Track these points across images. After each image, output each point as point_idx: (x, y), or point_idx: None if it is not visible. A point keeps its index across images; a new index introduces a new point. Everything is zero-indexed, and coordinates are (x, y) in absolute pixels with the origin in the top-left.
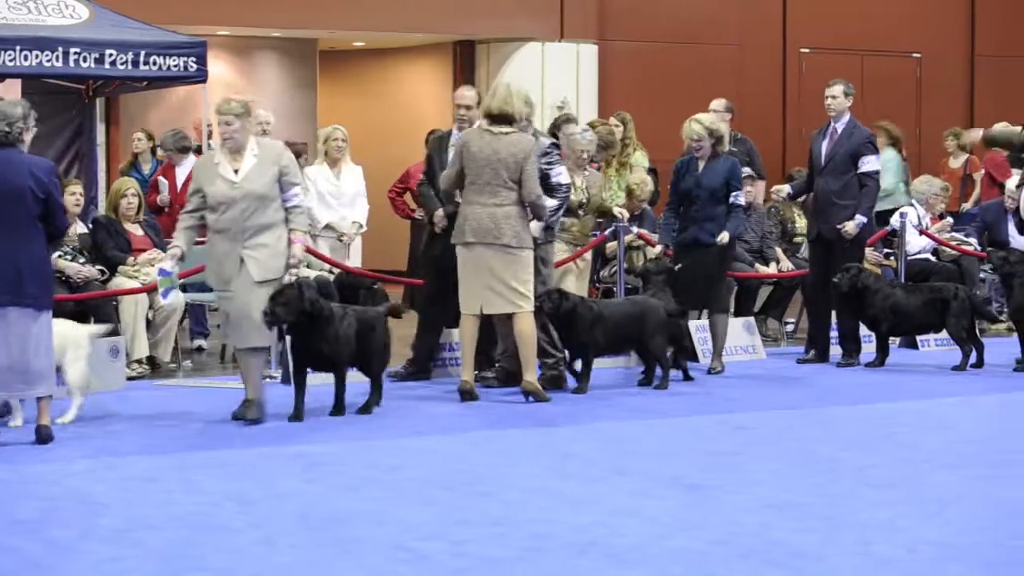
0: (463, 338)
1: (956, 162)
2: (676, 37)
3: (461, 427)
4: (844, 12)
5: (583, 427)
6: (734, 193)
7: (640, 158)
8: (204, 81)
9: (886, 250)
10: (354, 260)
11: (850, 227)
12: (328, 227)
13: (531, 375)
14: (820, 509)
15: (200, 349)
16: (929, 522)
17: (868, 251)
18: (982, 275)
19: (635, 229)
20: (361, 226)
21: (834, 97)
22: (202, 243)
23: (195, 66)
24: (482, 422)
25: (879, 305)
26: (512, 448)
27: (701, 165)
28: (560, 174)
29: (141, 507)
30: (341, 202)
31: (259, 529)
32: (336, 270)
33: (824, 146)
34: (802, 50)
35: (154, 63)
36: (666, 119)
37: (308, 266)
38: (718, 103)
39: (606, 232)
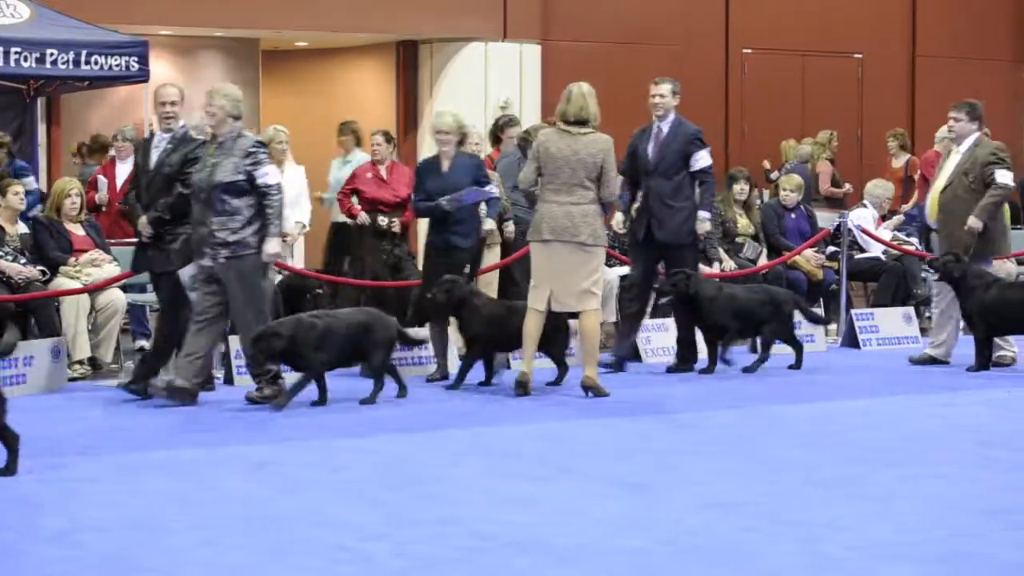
0: (527, 332)
1: (897, 162)
2: (619, 37)
3: (404, 427)
4: (786, 13)
5: (527, 427)
6: (486, 188)
7: None
8: (146, 81)
9: (831, 248)
10: (297, 260)
11: (704, 227)
12: None
13: (591, 370)
14: (764, 508)
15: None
16: (872, 520)
17: (809, 251)
18: (924, 274)
19: None
20: (304, 226)
21: (662, 96)
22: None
23: (137, 66)
24: (425, 422)
25: (716, 310)
26: (455, 448)
27: (446, 165)
28: (266, 175)
29: (83, 508)
30: (284, 202)
31: (202, 530)
32: (281, 271)
33: (650, 148)
34: (744, 51)
35: (96, 63)
36: (609, 119)
37: None
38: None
39: None
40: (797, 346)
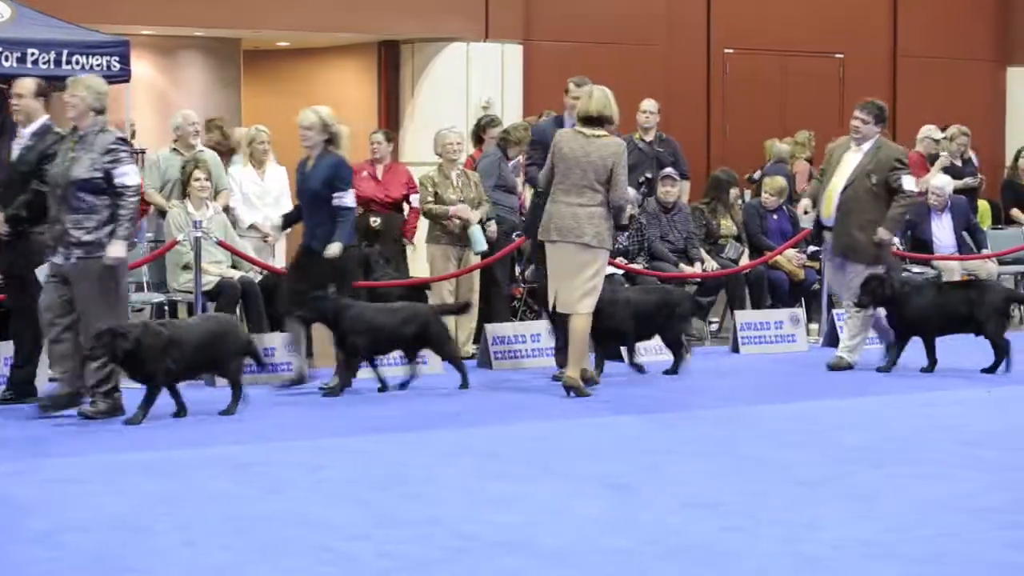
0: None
1: None
2: (601, 38)
3: (387, 428)
4: (767, 13)
5: (510, 427)
6: (336, 195)
7: None
8: (127, 81)
9: (812, 248)
10: (279, 260)
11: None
12: (252, 227)
13: (574, 371)
14: (746, 508)
15: None
16: (854, 520)
17: (791, 251)
18: (905, 274)
19: None
20: None
21: (578, 98)
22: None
23: (118, 65)
24: (409, 423)
25: (615, 313)
26: (440, 448)
27: (310, 164)
28: (125, 175)
29: (66, 509)
30: (265, 202)
31: (185, 531)
32: (261, 271)
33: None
34: (726, 51)
35: (77, 62)
36: None
37: (234, 267)
38: (651, 104)
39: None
40: (679, 350)
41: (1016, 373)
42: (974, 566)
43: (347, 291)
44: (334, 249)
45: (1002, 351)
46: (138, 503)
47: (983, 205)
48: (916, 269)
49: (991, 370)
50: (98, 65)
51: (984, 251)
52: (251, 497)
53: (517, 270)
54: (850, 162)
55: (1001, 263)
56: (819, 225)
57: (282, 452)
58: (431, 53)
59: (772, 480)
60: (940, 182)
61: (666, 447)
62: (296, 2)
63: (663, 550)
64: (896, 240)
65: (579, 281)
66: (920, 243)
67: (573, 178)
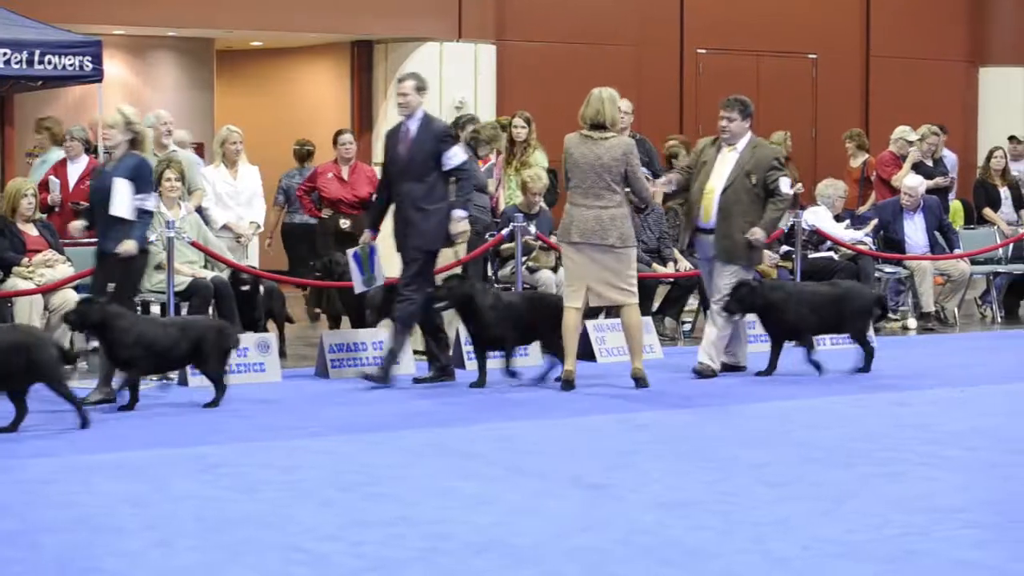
0: (567, 330)
1: (855, 163)
2: (574, 38)
3: (358, 428)
4: (740, 13)
5: (482, 427)
6: (139, 196)
7: (540, 158)
8: (100, 81)
9: (785, 248)
10: (252, 260)
11: (460, 226)
12: (225, 227)
13: (638, 362)
14: (716, 507)
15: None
16: (823, 519)
17: (764, 251)
18: (878, 274)
19: (533, 229)
20: (259, 226)
21: (404, 94)
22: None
23: (91, 65)
24: (380, 422)
25: (493, 320)
26: (410, 448)
27: (112, 164)
28: None
29: (37, 509)
30: (238, 202)
31: (155, 531)
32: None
33: (400, 149)
34: (698, 51)
35: (49, 62)
36: (564, 119)
37: (206, 267)
38: (625, 104)
39: (503, 232)
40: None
41: (990, 373)
42: (939, 566)
43: (128, 296)
44: (128, 245)
45: (871, 350)
46: (109, 504)
47: (955, 205)
48: (888, 269)
49: (865, 369)
50: (71, 65)
51: (956, 251)
52: (222, 498)
53: (490, 270)
54: (726, 163)
55: (973, 263)
56: (694, 229)
57: (253, 453)
58: (404, 53)
59: (742, 479)
60: (912, 182)
61: (636, 447)
62: (269, 2)
63: (634, 549)
64: (869, 241)
65: (612, 278)
66: (892, 243)
67: (589, 181)
